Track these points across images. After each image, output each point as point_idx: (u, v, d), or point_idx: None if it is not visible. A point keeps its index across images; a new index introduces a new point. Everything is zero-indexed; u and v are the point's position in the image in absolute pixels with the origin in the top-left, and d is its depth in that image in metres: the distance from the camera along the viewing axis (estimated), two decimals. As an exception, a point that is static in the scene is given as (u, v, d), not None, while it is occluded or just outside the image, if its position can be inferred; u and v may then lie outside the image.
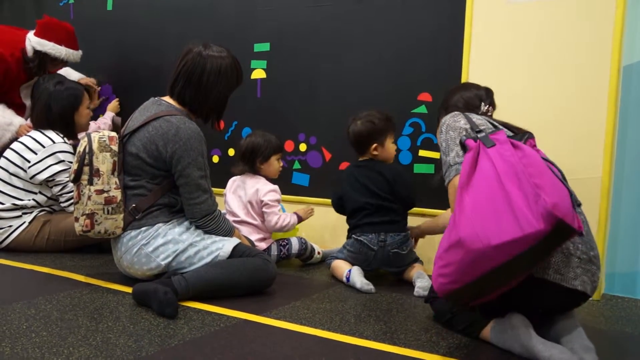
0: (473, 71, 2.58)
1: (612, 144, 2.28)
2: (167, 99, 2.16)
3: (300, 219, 2.62)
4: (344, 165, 2.92)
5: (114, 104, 3.52)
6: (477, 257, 1.34)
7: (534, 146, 1.59)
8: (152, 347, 1.46)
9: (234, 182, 2.67)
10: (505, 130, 1.66)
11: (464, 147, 1.59)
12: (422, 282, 2.19)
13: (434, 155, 2.69)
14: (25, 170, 2.59)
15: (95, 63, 3.74)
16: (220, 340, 1.54)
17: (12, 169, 2.60)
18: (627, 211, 2.30)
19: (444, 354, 1.52)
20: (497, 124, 1.69)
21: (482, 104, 1.90)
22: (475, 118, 1.70)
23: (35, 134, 2.68)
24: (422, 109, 2.72)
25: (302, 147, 3.04)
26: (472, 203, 1.39)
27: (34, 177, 2.58)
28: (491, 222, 1.33)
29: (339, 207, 2.53)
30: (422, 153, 2.72)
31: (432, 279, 1.50)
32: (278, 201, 2.59)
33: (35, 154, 2.60)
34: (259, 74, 3.15)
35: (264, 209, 2.54)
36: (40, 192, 2.62)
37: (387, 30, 2.80)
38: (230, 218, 2.57)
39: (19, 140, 2.68)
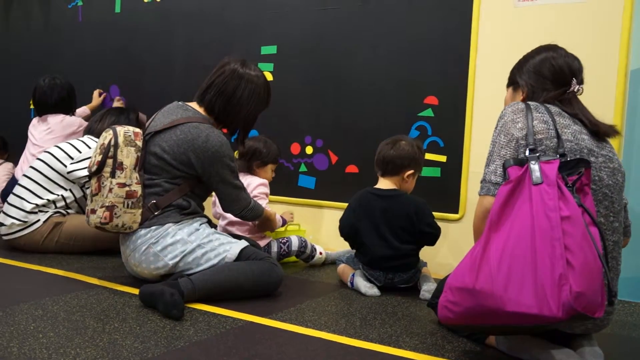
0: (480, 74, 2.58)
1: (619, 148, 2.28)
2: (194, 105, 2.18)
3: (284, 222, 2.66)
4: (350, 169, 2.92)
5: (115, 104, 3.57)
6: (488, 312, 1.30)
7: (586, 185, 1.38)
8: (158, 348, 1.47)
9: None
10: (572, 134, 1.48)
11: (505, 172, 1.43)
12: (427, 286, 2.19)
13: (441, 158, 2.69)
14: (66, 166, 2.65)
15: (103, 64, 3.77)
16: (226, 342, 1.54)
17: (55, 163, 2.66)
18: (634, 215, 2.29)
19: (449, 357, 1.52)
20: (564, 127, 1.49)
21: (574, 80, 1.58)
22: (537, 120, 1.48)
23: (85, 138, 2.77)
24: (429, 112, 2.72)
25: (309, 149, 3.04)
26: (498, 255, 1.31)
27: (72, 173, 2.63)
28: (511, 286, 1.26)
29: (349, 237, 2.32)
30: (428, 156, 2.71)
31: (439, 305, 1.45)
32: (266, 195, 2.63)
33: (80, 152, 2.68)
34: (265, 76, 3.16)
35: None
36: (70, 190, 2.66)
37: (394, 33, 2.80)
38: (221, 222, 2.63)
39: (67, 141, 2.76)
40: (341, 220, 2.34)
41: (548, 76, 1.61)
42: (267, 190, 2.66)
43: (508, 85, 1.78)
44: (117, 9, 3.72)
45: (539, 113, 1.51)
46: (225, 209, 2.20)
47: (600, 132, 1.55)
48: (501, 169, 1.48)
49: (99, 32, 3.80)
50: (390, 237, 2.20)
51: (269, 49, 3.16)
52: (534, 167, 1.36)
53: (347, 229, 2.30)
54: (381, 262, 2.21)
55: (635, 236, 2.29)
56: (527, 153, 1.43)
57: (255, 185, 2.62)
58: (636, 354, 1.69)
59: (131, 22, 3.67)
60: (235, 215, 2.24)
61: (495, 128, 1.56)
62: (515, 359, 1.52)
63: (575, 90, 1.59)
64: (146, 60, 3.61)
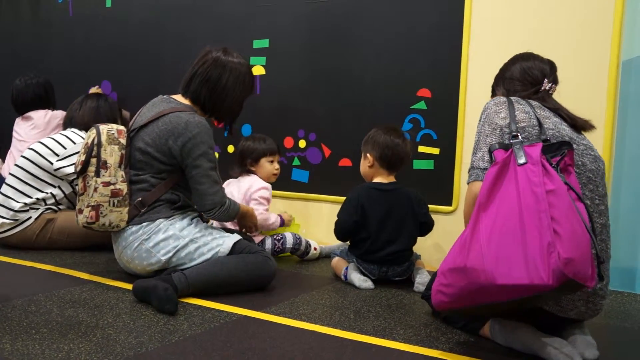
0: (472, 67, 2.58)
1: (612, 139, 2.28)
2: (178, 97, 2.17)
3: (282, 223, 2.64)
4: (343, 162, 2.92)
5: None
6: (480, 289, 1.32)
7: (569, 165, 1.43)
8: (152, 343, 1.47)
9: (228, 183, 2.69)
10: (553, 124, 1.54)
11: (492, 155, 1.48)
12: (421, 278, 2.19)
13: (434, 151, 2.69)
14: (51, 163, 2.62)
15: (95, 59, 3.74)
16: (220, 336, 1.54)
17: (40, 160, 2.62)
18: (626, 206, 2.30)
19: (443, 349, 1.53)
20: (545, 117, 1.56)
21: (546, 80, 1.70)
22: (519, 111, 1.55)
23: (68, 132, 2.74)
24: (422, 105, 2.72)
25: (302, 143, 3.04)
26: (487, 232, 1.34)
27: (59, 170, 2.60)
28: (501, 260, 1.29)
29: (349, 233, 2.28)
30: (422, 149, 2.72)
31: (432, 291, 1.49)
32: (268, 200, 2.61)
33: (65, 149, 2.65)
34: (258, 70, 3.15)
35: (251, 204, 2.54)
36: (59, 187, 2.64)
37: (386, 26, 2.80)
38: None
39: (50, 136, 2.73)
40: (340, 217, 2.29)
41: (521, 80, 1.73)
42: (269, 195, 2.61)
43: (491, 97, 1.84)
44: (108, 4, 3.69)
45: (520, 105, 1.59)
46: (197, 204, 2.09)
47: (577, 125, 1.63)
48: (488, 155, 1.52)
49: (90, 27, 3.77)
50: (400, 232, 2.22)
51: (261, 43, 3.14)
52: (518, 151, 1.41)
53: (348, 225, 2.24)
54: (388, 256, 2.21)
55: (627, 226, 2.31)
56: (510, 140, 1.47)
57: (256, 188, 2.58)
58: (628, 344, 1.70)
59: (122, 16, 3.64)
60: (206, 214, 2.09)
61: (479, 120, 1.62)
62: (509, 349, 1.52)
63: (547, 88, 1.69)
64: (137, 54, 3.59)
